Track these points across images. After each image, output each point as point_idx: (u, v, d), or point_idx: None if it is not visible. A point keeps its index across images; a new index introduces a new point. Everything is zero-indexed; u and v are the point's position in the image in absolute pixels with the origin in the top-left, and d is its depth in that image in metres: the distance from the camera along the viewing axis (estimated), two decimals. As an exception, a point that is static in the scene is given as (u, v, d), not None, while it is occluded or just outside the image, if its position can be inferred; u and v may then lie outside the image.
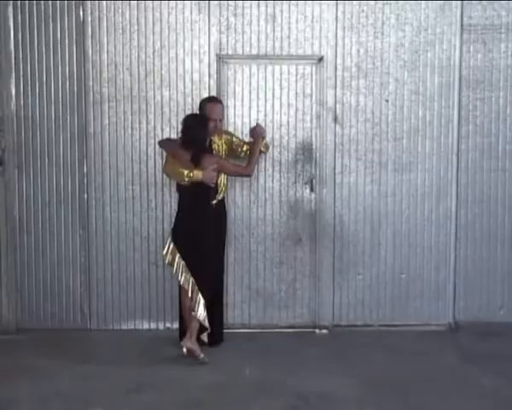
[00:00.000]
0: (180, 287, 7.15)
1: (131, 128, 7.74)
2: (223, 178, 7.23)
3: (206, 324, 6.95)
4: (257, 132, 7.45)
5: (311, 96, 7.79)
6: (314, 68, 7.79)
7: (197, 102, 7.60)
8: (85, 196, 7.78)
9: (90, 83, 7.70)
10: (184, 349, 6.84)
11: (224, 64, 7.75)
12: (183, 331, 7.19)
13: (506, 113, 7.92)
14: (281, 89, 7.79)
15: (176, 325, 7.63)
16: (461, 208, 7.95)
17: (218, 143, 7.29)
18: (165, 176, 7.51)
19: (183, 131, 7.00)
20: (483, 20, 7.86)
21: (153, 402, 5.94)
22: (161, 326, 7.86)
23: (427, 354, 7.17)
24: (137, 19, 7.66)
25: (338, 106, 7.78)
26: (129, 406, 5.89)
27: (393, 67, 7.81)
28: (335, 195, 7.83)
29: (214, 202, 7.13)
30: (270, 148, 7.74)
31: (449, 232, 7.94)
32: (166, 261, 7.14)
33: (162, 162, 7.55)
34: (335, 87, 7.76)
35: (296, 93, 7.79)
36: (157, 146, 7.53)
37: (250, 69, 7.76)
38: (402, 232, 7.91)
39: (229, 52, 7.72)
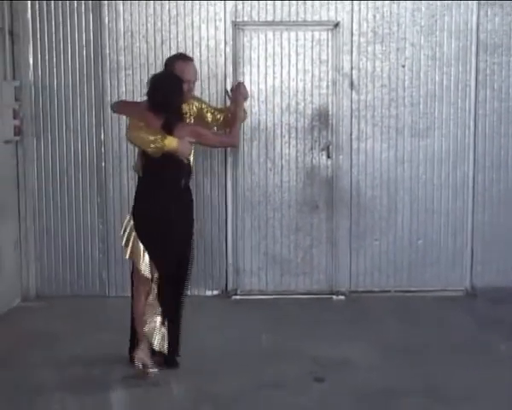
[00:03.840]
0: (132, 289, 6.00)
1: (148, 96, 7.77)
2: (193, 157, 6.03)
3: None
4: (240, 93, 6.37)
5: (327, 62, 7.77)
6: (330, 34, 7.76)
7: (213, 69, 7.68)
8: (103, 164, 7.82)
9: (107, 51, 7.71)
10: (137, 362, 5.72)
11: (240, 31, 7.74)
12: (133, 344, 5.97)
13: (523, 77, 7.89)
14: (297, 55, 7.77)
15: (195, 292, 7.62)
16: (478, 174, 7.91)
17: (186, 110, 6.09)
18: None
19: (151, 93, 5.73)
20: (501, -17, 7.82)
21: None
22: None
23: (443, 319, 7.17)
24: (153, -14, 7.70)
25: (354, 72, 7.75)
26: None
27: (410, 31, 7.76)
28: (352, 161, 7.82)
29: (183, 184, 5.89)
30: (287, 114, 7.76)
31: (466, 198, 7.92)
32: (123, 243, 5.85)
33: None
34: (351, 53, 7.73)
35: (312, 59, 7.77)
36: None
37: (266, 36, 7.75)
38: (419, 198, 7.89)
39: (245, 19, 7.70)
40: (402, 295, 7.85)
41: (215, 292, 7.93)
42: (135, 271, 5.86)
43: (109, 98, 7.70)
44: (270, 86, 7.77)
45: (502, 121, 7.89)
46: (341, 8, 7.70)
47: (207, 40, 7.70)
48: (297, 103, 7.80)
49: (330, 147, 7.84)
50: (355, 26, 7.72)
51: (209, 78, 7.70)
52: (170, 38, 7.67)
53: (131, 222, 5.78)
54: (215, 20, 7.68)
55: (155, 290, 5.79)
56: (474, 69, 7.77)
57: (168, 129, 5.66)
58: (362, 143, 7.81)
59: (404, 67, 7.77)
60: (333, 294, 7.90)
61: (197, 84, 7.56)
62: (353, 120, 7.79)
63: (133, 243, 5.74)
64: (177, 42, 7.67)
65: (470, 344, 6.47)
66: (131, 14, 7.69)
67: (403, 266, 7.93)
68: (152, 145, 5.58)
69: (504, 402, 5.21)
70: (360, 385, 5.55)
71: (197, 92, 7.61)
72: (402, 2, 7.72)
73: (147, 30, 7.70)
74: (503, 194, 7.97)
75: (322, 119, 7.81)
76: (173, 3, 7.67)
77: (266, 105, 7.78)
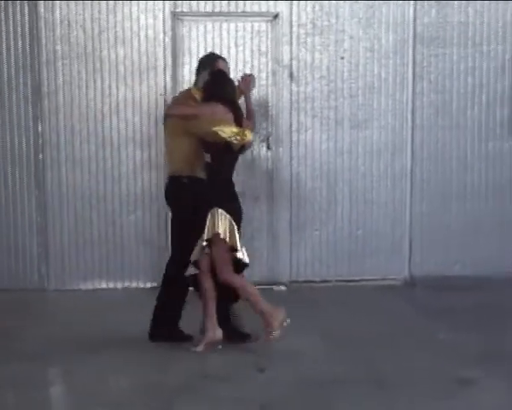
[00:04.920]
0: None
1: (86, 87, 7.67)
2: None
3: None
4: (247, 84, 6.44)
5: (267, 53, 7.80)
6: (269, 25, 7.78)
7: (152, 60, 7.65)
8: (40, 156, 7.71)
9: (43, 41, 7.61)
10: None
11: (179, 21, 7.70)
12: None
13: (460, 69, 8.01)
14: (236, 46, 7.77)
15: (135, 284, 7.71)
16: (416, 165, 8.03)
17: None
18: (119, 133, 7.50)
19: (221, 89, 5.96)
20: (436, -24, 7.94)
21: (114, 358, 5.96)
22: (120, 285, 7.86)
23: (383, 308, 7.26)
24: (90, -25, 7.60)
25: (293, 63, 7.80)
26: (93, 363, 5.88)
27: (348, 24, 7.83)
28: (292, 153, 7.87)
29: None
30: (226, 106, 7.76)
31: (404, 189, 8.03)
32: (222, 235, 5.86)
33: (118, 122, 7.58)
34: (291, 44, 7.77)
35: (252, 50, 7.79)
36: (119, 105, 7.58)
37: (205, 26, 7.74)
38: (358, 189, 7.98)
39: (184, 9, 7.68)
40: (342, 284, 7.93)
41: (155, 284, 7.68)
42: (229, 259, 5.90)
43: (46, 89, 7.61)
44: (210, 77, 7.75)
45: (439, 113, 8.03)
46: (281, 0, 7.73)
47: (146, 30, 7.66)
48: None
49: (270, 139, 7.86)
50: (294, 18, 7.76)
51: (148, 69, 7.67)
52: (108, 28, 7.62)
53: (223, 215, 5.79)
54: (154, 10, 7.63)
55: None
56: (412, 61, 7.88)
57: (239, 123, 5.87)
58: (301, 135, 7.85)
59: (342, 58, 7.84)
60: (274, 284, 7.92)
61: (137, 74, 7.63)
62: (293, 111, 7.83)
63: (231, 232, 5.84)
64: (115, 32, 7.63)
65: (410, 332, 6.53)
66: (68, 4, 7.59)
67: (343, 257, 8.00)
68: (238, 137, 5.75)
69: (442, 389, 5.28)
70: (303, 375, 5.54)
71: (137, 84, 7.66)
72: (340, -6, 7.81)
73: (84, 19, 7.61)
74: (441, 185, 8.10)
75: (261, 110, 7.81)
76: (111, -8, 7.62)
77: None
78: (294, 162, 7.87)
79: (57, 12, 7.56)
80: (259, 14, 7.74)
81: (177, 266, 6.11)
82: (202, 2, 7.66)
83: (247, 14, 7.71)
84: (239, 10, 7.70)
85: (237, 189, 7.67)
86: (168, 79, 7.66)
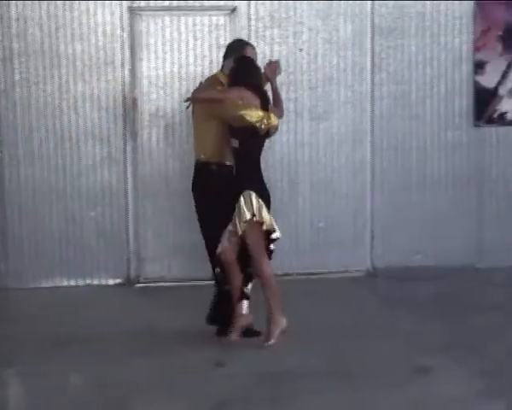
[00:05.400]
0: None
1: (43, 83, 7.61)
2: None
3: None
4: (272, 71, 6.36)
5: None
6: (227, 19, 7.76)
7: (111, 55, 7.60)
8: (-2, 153, 7.66)
9: (-1, 38, 7.55)
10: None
11: (137, 16, 7.66)
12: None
13: (418, 60, 8.04)
14: (194, 40, 7.74)
15: (96, 281, 7.69)
16: (376, 156, 8.06)
17: None
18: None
19: (244, 74, 5.97)
20: (393, -33, 7.96)
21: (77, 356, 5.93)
22: (81, 283, 7.80)
23: (345, 300, 7.28)
24: (45, -30, 7.53)
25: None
26: (58, 360, 5.84)
27: (306, 15, 7.83)
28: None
29: None
30: (185, 100, 7.77)
31: (365, 180, 8.06)
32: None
33: (77, 118, 7.56)
34: (249, 37, 7.71)
35: (210, 44, 7.76)
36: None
37: (163, 21, 7.70)
38: (319, 181, 7.98)
39: (142, 4, 7.66)
40: (305, 277, 7.93)
41: (118, 281, 7.85)
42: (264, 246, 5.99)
43: (2, 86, 7.54)
44: (169, 72, 7.73)
45: (398, 104, 8.05)
46: (238, -7, 7.73)
47: (103, 26, 7.61)
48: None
49: (229, 132, 7.85)
50: (252, 11, 7.75)
51: (106, 64, 7.62)
52: (64, 24, 7.55)
53: (256, 198, 5.81)
54: (111, 6, 7.58)
55: None
56: (370, 53, 7.91)
57: (266, 109, 5.90)
58: (261, 128, 7.84)
59: (301, 50, 7.84)
60: (236, 279, 7.92)
61: (95, 70, 7.59)
62: (252, 104, 7.81)
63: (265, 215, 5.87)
64: (72, 28, 7.56)
65: (372, 323, 6.57)
66: (23, 1, 7.50)
67: (305, 249, 8.01)
68: (265, 121, 5.80)
69: (404, 379, 5.31)
70: (263, 368, 5.56)
71: (95, 80, 7.61)
72: (298, -14, 7.80)
73: (40, 16, 7.54)
74: (401, 175, 8.14)
75: (221, 104, 7.81)
76: (67, -12, 7.57)
77: (165, 91, 7.74)
78: (257, 154, 7.86)
79: (13, 9, 7.48)
80: (217, 8, 7.72)
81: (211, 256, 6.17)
82: (160, -3, 7.65)
83: (204, 8, 7.69)
84: (197, 4, 7.67)
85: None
86: (126, 74, 7.62)
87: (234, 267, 5.97)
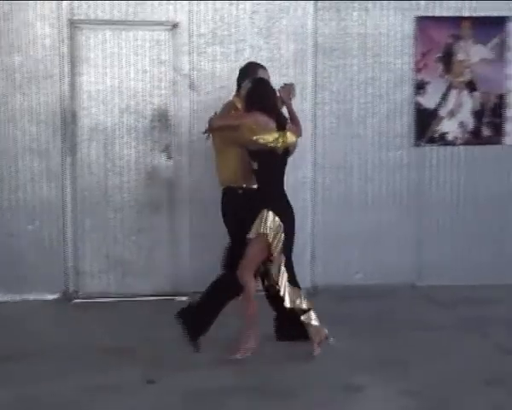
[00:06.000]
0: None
1: (-20, 95, 7.55)
2: None
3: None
4: (287, 93, 6.46)
5: (167, 62, 7.76)
6: (169, 35, 7.74)
7: (50, 68, 7.53)
8: None
9: None
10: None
11: (77, 29, 7.62)
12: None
13: (360, 80, 8.09)
14: (135, 55, 7.72)
15: (34, 296, 7.64)
16: (317, 174, 8.07)
17: None
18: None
19: (260, 97, 6.07)
20: (334, -12, 8.01)
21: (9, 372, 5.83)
22: (18, 298, 7.68)
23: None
24: (-17, -20, 7.46)
25: (193, 73, 7.77)
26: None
27: (249, 33, 7.85)
28: (192, 162, 7.82)
29: None
30: (126, 115, 7.71)
31: (306, 198, 8.05)
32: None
33: (15, 131, 7.51)
34: (191, 54, 7.74)
35: (151, 60, 7.75)
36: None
37: (104, 35, 7.66)
38: (260, 198, 7.96)
39: (82, 17, 7.60)
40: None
41: (56, 296, 7.75)
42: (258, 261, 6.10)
43: None
44: (109, 86, 7.69)
45: (340, 123, 8.09)
46: (180, 9, 7.71)
47: (43, 38, 7.55)
48: (136, 104, 7.75)
49: (170, 148, 7.82)
50: (194, 27, 7.75)
51: (45, 78, 7.56)
52: (2, 36, 7.47)
53: (273, 217, 5.92)
54: (50, 18, 7.53)
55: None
56: (312, 72, 7.93)
57: (283, 127, 6.00)
58: (202, 144, 7.77)
59: (242, 68, 7.85)
60: (175, 295, 7.86)
61: (34, 83, 7.52)
62: (193, 120, 7.78)
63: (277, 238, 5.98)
64: (11, 39, 7.48)
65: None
66: (-40, 11, 7.46)
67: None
68: (280, 140, 5.87)
69: (333, 397, 5.31)
70: (192, 385, 5.52)
71: (34, 93, 7.54)
72: (241, 4, 7.81)
73: (-23, 27, 7.49)
74: (342, 194, 8.16)
75: (162, 119, 7.79)
76: (6, -2, 7.49)
77: (105, 105, 7.70)
78: (195, 171, 7.83)
79: None
80: (159, 23, 7.70)
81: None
82: (100, 11, 7.58)
83: (146, 23, 7.67)
84: (138, 19, 7.64)
85: (137, 199, 7.80)
86: (66, 87, 7.57)
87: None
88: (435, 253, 8.26)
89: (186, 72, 7.73)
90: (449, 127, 8.29)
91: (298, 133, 6.31)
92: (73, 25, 7.57)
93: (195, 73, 7.76)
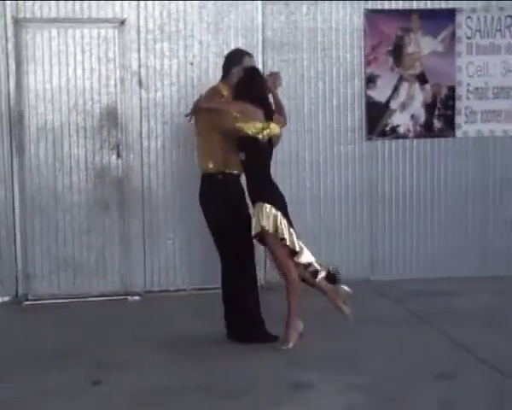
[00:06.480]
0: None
1: None
2: None
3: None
4: (273, 82, 6.41)
5: (115, 60, 7.71)
6: (116, 31, 7.68)
7: (-4, 67, 7.42)
8: None
9: None
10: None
11: (22, 28, 7.52)
12: None
13: (310, 74, 8.08)
14: (83, 53, 7.65)
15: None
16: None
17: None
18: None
19: (249, 88, 6.03)
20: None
21: None
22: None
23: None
24: None
25: (142, 70, 7.72)
26: None
27: (197, 29, 7.81)
28: (143, 160, 7.77)
29: None
30: (74, 113, 7.64)
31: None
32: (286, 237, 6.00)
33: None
34: (139, 50, 7.69)
35: (99, 57, 7.68)
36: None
37: (50, 33, 7.58)
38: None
39: (27, 15, 7.50)
40: (197, 293, 7.84)
41: (5, 298, 7.67)
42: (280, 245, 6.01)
43: None
44: (56, 85, 7.61)
45: (291, 118, 7.85)
46: (127, 5, 7.65)
47: (-13, 37, 7.45)
48: (84, 102, 7.67)
49: (120, 146, 7.75)
50: (142, 24, 7.68)
51: (-6, 75, 7.47)
52: None
53: (268, 209, 5.90)
54: (-6, 17, 7.44)
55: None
56: (261, 66, 7.82)
57: (270, 117, 5.99)
58: (152, 142, 7.77)
59: (192, 64, 7.79)
60: (128, 295, 7.79)
61: (-22, 83, 7.37)
62: (143, 118, 7.74)
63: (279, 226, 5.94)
64: (-46, 38, 7.37)
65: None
66: None
67: (197, 265, 7.92)
68: (264, 132, 5.85)
69: (280, 395, 5.25)
70: (137, 386, 5.43)
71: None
72: (188, 0, 7.73)
73: None
74: (295, 189, 8.09)
75: (110, 118, 7.72)
76: None
77: (53, 104, 7.62)
78: (146, 169, 7.76)
79: None
80: (106, 20, 7.62)
81: (232, 265, 6.28)
82: (46, 8, 7.49)
83: (92, 21, 7.59)
84: (84, 16, 7.56)
85: (87, 199, 7.72)
86: (12, 87, 7.46)
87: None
88: (388, 247, 8.28)
89: (135, 69, 7.67)
90: (400, 120, 8.30)
91: (283, 123, 6.37)
92: (18, 23, 7.47)
93: (144, 70, 7.71)
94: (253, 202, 6.02)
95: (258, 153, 6.00)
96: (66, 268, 7.75)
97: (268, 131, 5.93)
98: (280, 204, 6.03)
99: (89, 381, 5.54)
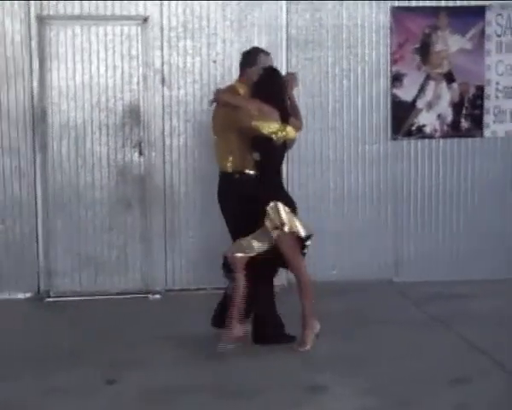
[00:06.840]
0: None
1: (-51, 95, 7.46)
2: None
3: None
4: (290, 83, 6.36)
5: (138, 57, 7.69)
6: (139, 29, 7.66)
7: (20, 65, 7.45)
8: None
9: None
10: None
11: (46, 25, 7.54)
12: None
13: (335, 72, 8.00)
14: (106, 50, 7.63)
15: (5, 295, 7.60)
16: (293, 169, 7.95)
17: None
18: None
19: (269, 87, 6.02)
20: (304, -21, 7.89)
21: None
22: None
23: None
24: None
25: (165, 67, 7.69)
26: None
27: (220, 27, 7.76)
28: (165, 157, 7.75)
29: None
30: (97, 111, 7.64)
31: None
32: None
33: None
34: (162, 48, 7.66)
35: (122, 55, 7.66)
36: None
37: (73, 30, 7.59)
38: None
39: (51, 12, 7.52)
40: (217, 292, 7.75)
41: (27, 295, 7.69)
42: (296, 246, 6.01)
43: None
44: (79, 83, 7.62)
45: (315, 116, 7.97)
46: (150, 3, 7.62)
47: (12, 35, 7.47)
48: (107, 100, 7.67)
49: (142, 144, 7.74)
50: (165, 21, 7.65)
51: (15, 74, 7.50)
52: (-30, 33, 7.40)
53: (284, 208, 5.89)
54: (19, 14, 7.44)
55: None
56: (285, 64, 7.78)
57: (285, 120, 5.97)
58: (174, 140, 7.75)
59: (215, 62, 7.75)
60: (149, 293, 7.78)
61: (3, 80, 7.44)
62: (165, 116, 7.72)
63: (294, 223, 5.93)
64: (-22, 37, 7.41)
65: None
66: None
67: (219, 263, 7.85)
68: (280, 134, 5.85)
69: (295, 397, 5.18)
70: (152, 385, 5.42)
71: (3, 90, 7.48)
72: (212, -2, 7.71)
73: None
74: (318, 188, 8.07)
75: (133, 115, 7.71)
76: (-27, -4, 7.40)
77: (76, 102, 7.63)
78: (168, 167, 7.75)
79: None
80: (129, 18, 7.61)
81: None
82: (70, 6, 7.49)
83: (116, 18, 7.58)
84: (108, 13, 7.55)
85: (109, 196, 7.73)
86: (35, 84, 7.49)
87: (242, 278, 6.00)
88: (413, 248, 8.17)
89: (157, 66, 7.65)
90: (427, 120, 8.18)
91: (299, 126, 6.32)
92: (42, 20, 7.49)
93: (167, 67, 7.68)
94: (267, 202, 5.93)
95: (272, 154, 5.97)
96: (88, 265, 7.76)
97: (284, 133, 5.92)
98: (292, 205, 6.02)
99: (103, 379, 5.54)
